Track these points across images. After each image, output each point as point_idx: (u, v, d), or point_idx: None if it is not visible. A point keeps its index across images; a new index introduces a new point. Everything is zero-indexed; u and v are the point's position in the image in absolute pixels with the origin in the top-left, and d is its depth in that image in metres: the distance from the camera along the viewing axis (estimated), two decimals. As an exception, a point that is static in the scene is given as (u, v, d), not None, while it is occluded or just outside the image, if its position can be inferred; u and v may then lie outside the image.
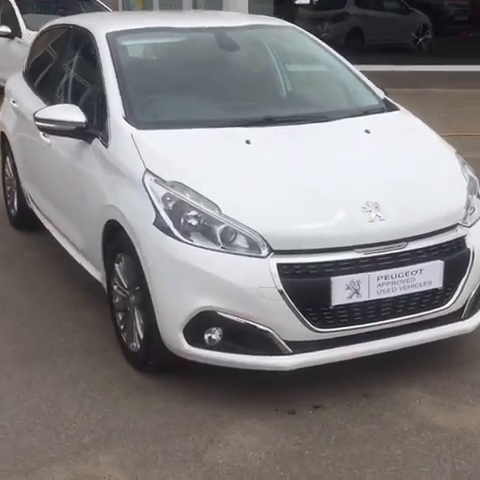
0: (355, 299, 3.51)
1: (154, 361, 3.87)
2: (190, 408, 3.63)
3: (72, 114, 4.34)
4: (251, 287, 3.43)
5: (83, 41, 4.92)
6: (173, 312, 3.59)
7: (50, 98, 5.09)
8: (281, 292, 3.42)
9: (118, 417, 3.57)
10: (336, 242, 3.51)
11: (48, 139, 4.89)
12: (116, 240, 4.02)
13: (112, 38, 4.63)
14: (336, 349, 3.56)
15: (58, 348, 4.24)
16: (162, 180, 3.69)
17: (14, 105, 5.75)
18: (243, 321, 3.48)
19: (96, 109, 4.38)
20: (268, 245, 3.46)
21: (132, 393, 3.77)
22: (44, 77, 5.44)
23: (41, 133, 4.90)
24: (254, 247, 3.48)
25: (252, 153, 3.91)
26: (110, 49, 4.53)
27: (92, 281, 4.54)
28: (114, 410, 3.63)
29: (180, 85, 4.53)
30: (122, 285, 4.06)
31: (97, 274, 4.48)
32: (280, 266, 3.44)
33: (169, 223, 3.58)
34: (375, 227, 3.58)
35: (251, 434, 3.43)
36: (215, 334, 3.55)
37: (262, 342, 3.51)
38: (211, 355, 3.58)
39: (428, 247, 3.67)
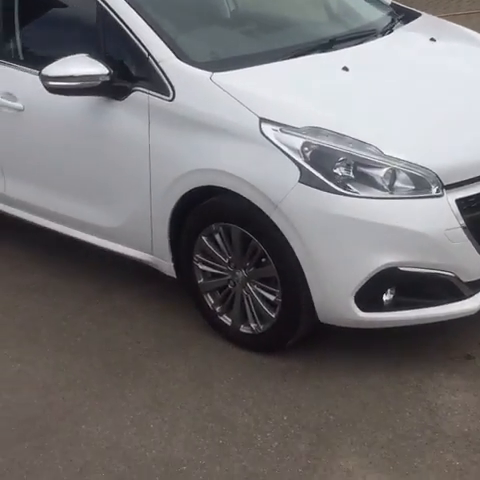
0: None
1: (296, 338, 3.32)
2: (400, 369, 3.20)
3: (92, 66, 3.45)
4: (437, 231, 2.98)
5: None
6: (340, 278, 3.04)
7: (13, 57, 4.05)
8: (465, 229, 3.03)
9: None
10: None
11: (18, 104, 3.90)
12: (207, 210, 3.33)
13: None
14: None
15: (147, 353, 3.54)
16: (293, 128, 3.07)
17: None
18: (428, 271, 3.05)
19: (117, 56, 3.53)
20: (440, 182, 3.03)
21: (287, 378, 3.24)
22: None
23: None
24: (422, 186, 3.02)
25: (362, 79, 3.37)
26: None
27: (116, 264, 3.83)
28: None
29: (213, 15, 3.79)
30: (217, 261, 3.41)
31: (141, 255, 3.73)
32: (458, 202, 3.04)
33: (321, 177, 2.99)
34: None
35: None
36: (389, 293, 3.10)
37: (443, 289, 3.10)
38: (388, 317, 3.11)
39: None
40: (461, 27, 4.25)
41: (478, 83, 3.56)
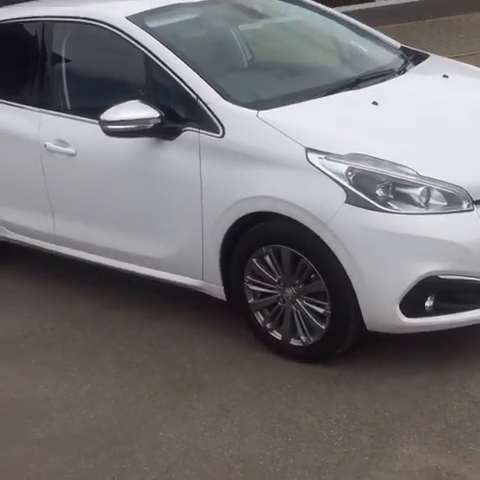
0: None
1: (345, 347, 3.65)
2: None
3: (144, 110, 3.83)
4: (471, 242, 3.34)
5: (87, 31, 4.31)
6: (386, 288, 3.38)
7: (47, 104, 4.42)
8: (496, 239, 3.41)
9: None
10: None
11: (70, 149, 4.26)
12: (258, 234, 3.68)
13: (139, 21, 4.12)
14: None
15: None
16: (336, 156, 3.44)
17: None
18: (465, 278, 3.41)
19: (166, 100, 3.91)
20: (470, 198, 3.41)
21: (339, 383, 3.55)
22: (21, 82, 4.64)
23: (52, 144, 4.30)
24: (454, 202, 3.40)
25: (391, 111, 3.78)
26: (150, 33, 4.04)
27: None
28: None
29: (244, 59, 4.18)
30: (267, 280, 3.74)
31: (192, 281, 4.05)
32: (489, 215, 3.42)
33: (365, 197, 3.36)
34: None
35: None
36: (430, 300, 3.45)
37: (478, 294, 3.47)
38: (430, 322, 3.45)
39: None
40: (467, 64, 4.70)
41: None
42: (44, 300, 4.73)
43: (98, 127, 4.04)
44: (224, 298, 3.97)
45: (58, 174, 4.40)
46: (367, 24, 4.92)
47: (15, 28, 4.72)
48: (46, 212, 4.57)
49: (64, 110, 4.39)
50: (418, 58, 4.56)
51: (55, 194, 4.47)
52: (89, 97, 4.43)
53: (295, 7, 4.91)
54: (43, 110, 4.44)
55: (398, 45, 4.78)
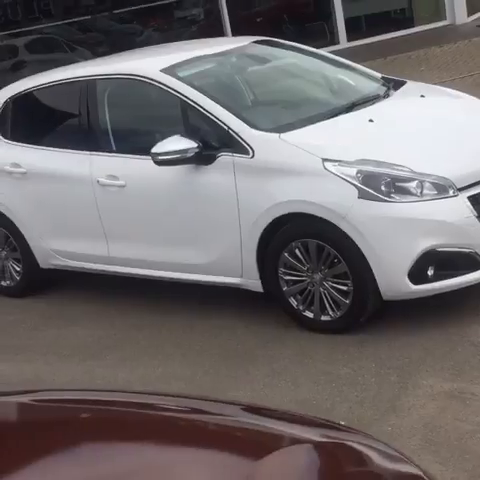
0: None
1: (366, 316, 4.52)
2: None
3: (185, 142, 4.73)
4: (460, 220, 4.28)
5: (126, 85, 5.25)
6: (396, 262, 4.30)
7: (96, 147, 5.31)
8: (478, 217, 4.32)
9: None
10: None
11: (121, 182, 5.13)
12: (288, 232, 4.57)
13: (171, 72, 5.06)
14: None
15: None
16: (347, 162, 4.37)
17: (18, 170, 5.72)
18: (455, 249, 4.33)
19: (202, 132, 4.81)
20: (454, 186, 4.34)
21: (364, 344, 4.41)
22: (71, 132, 5.56)
23: (104, 179, 5.17)
24: (442, 190, 4.33)
25: (385, 125, 4.74)
26: (181, 81, 4.97)
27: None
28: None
29: (258, 95, 5.12)
30: (297, 269, 4.62)
31: (232, 280, 4.92)
32: (470, 198, 4.34)
33: (373, 192, 4.28)
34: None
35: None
36: (431, 269, 4.35)
37: (468, 262, 4.36)
38: (432, 287, 4.36)
39: None
40: (438, 86, 5.69)
41: (460, 119, 5.02)
42: (99, 313, 5.57)
43: (143, 161, 4.97)
44: (261, 290, 4.84)
45: (111, 204, 5.28)
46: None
47: (61, 88, 5.63)
48: (100, 238, 5.43)
49: (112, 150, 5.28)
50: (398, 84, 5.54)
51: (108, 221, 5.34)
52: (132, 138, 5.35)
53: (289, 52, 5.93)
54: (93, 153, 5.33)
55: (379, 75, 5.76)
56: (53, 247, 5.74)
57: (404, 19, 15.15)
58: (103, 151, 5.32)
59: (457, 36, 14.03)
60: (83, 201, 5.39)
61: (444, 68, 11.93)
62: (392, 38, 14.41)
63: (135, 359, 4.82)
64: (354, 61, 11.08)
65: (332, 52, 13.29)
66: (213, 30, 14.30)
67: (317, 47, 13.58)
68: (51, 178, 5.55)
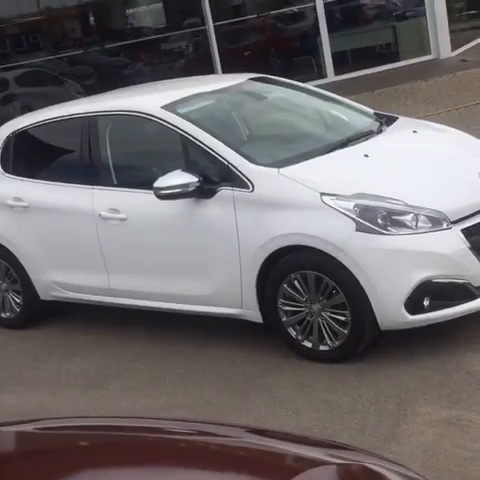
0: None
1: (363, 345, 4.64)
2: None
3: (187, 177, 4.87)
4: (454, 252, 4.44)
5: (127, 121, 5.40)
6: (393, 293, 4.44)
7: (98, 181, 5.44)
8: (471, 249, 4.48)
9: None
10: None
11: (122, 215, 5.26)
12: (288, 264, 4.69)
13: (171, 109, 5.21)
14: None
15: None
16: (344, 196, 4.52)
17: (20, 204, 5.84)
18: (449, 280, 4.47)
19: (203, 167, 4.96)
20: (448, 219, 4.49)
21: (363, 373, 4.53)
22: (74, 166, 5.69)
23: (106, 212, 5.29)
24: (436, 223, 4.49)
25: (380, 160, 4.90)
26: (182, 117, 5.12)
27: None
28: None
29: (256, 131, 5.28)
30: (296, 300, 4.74)
31: (232, 310, 5.03)
32: (462, 231, 4.50)
33: (370, 225, 4.43)
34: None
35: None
36: (427, 299, 4.49)
37: (461, 293, 4.51)
38: (428, 317, 4.50)
39: None
40: (428, 122, 5.88)
41: (452, 154, 5.21)
42: (100, 343, 5.66)
43: (144, 195, 5.11)
44: (261, 321, 4.96)
45: (112, 236, 5.40)
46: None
47: (63, 124, 5.77)
48: (101, 269, 5.54)
49: (113, 185, 5.41)
50: (390, 120, 5.71)
51: (109, 253, 5.45)
52: (134, 172, 5.50)
53: (284, 89, 6.11)
54: (95, 187, 5.46)
55: (372, 111, 5.94)
56: (54, 279, 5.84)
57: (390, 53, 15.47)
58: (105, 185, 5.44)
59: (442, 70, 14.35)
60: (84, 234, 5.51)
61: (430, 102, 12.19)
62: (378, 72, 14.72)
63: (138, 389, 4.91)
64: (341, 94, 11.32)
65: (320, 85, 13.58)
66: (202, 63, 14.57)
67: (305, 80, 13.92)
68: (52, 211, 5.67)
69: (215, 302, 5.11)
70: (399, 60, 15.08)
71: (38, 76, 18.22)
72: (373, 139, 5.25)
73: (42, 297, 6.01)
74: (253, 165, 4.82)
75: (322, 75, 14.63)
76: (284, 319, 4.85)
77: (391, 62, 14.98)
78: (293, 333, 4.85)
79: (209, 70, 14.06)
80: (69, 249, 5.70)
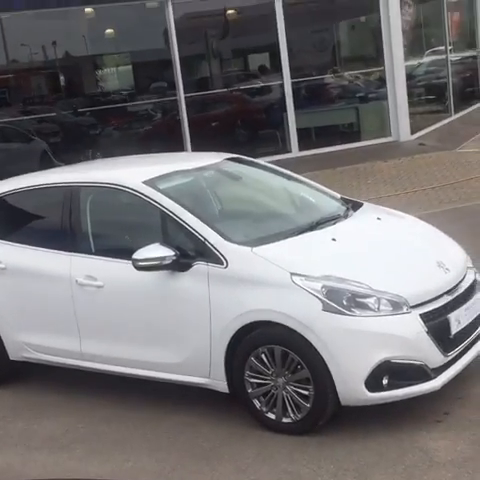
0: (459, 327, 5.02)
1: (324, 419, 4.89)
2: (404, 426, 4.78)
3: (164, 251, 5.13)
4: (412, 335, 4.75)
5: (109, 193, 5.66)
6: (354, 371, 4.71)
7: (77, 249, 5.67)
8: (428, 333, 4.80)
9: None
10: (440, 290, 5.01)
11: (99, 282, 5.48)
12: (256, 338, 4.95)
13: (152, 184, 5.49)
14: (456, 363, 4.99)
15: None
16: (313, 277, 4.82)
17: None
18: (407, 361, 4.77)
19: (180, 242, 5.22)
20: (408, 303, 4.81)
21: (323, 445, 4.76)
22: (53, 232, 5.90)
23: (83, 279, 5.52)
24: (397, 307, 4.80)
25: (346, 245, 5.23)
26: (162, 193, 5.40)
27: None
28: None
29: (232, 210, 5.60)
30: (262, 373, 4.99)
31: (200, 380, 5.25)
32: (421, 315, 4.82)
33: (336, 306, 4.72)
34: (449, 276, 5.15)
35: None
36: (386, 378, 4.76)
37: (418, 374, 4.80)
38: (386, 395, 4.77)
39: (472, 283, 5.33)
40: (391, 209, 6.27)
41: (412, 241, 5.58)
42: (68, 406, 5.79)
43: (122, 264, 5.36)
44: (227, 391, 5.18)
45: (87, 302, 5.60)
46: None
47: (45, 191, 6.02)
48: (73, 333, 5.72)
49: (91, 253, 5.64)
50: (356, 206, 6.08)
51: (83, 318, 5.65)
52: (112, 242, 5.75)
53: (258, 170, 6.46)
54: (73, 254, 5.68)
55: (339, 196, 6.30)
56: (25, 340, 6.00)
57: (352, 133, 16.11)
58: (83, 252, 5.67)
59: (401, 152, 14.99)
60: (60, 298, 5.70)
61: (389, 182, 12.72)
62: (341, 150, 15.29)
63: (104, 452, 5.07)
64: (305, 169, 11.78)
65: (284, 160, 14.20)
66: (171, 131, 14.97)
67: (269, 154, 14.54)
68: (29, 274, 5.86)
69: (184, 371, 5.32)
70: (360, 140, 15.71)
71: (5, 132, 18.44)
72: (340, 223, 5.59)
73: (12, 357, 6.15)
74: (228, 243, 5.10)
75: (287, 150, 15.14)
76: (250, 391, 5.07)
77: (353, 141, 15.60)
78: (258, 404, 5.07)
79: (178, 138, 14.48)
80: (43, 312, 5.88)
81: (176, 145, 14.30)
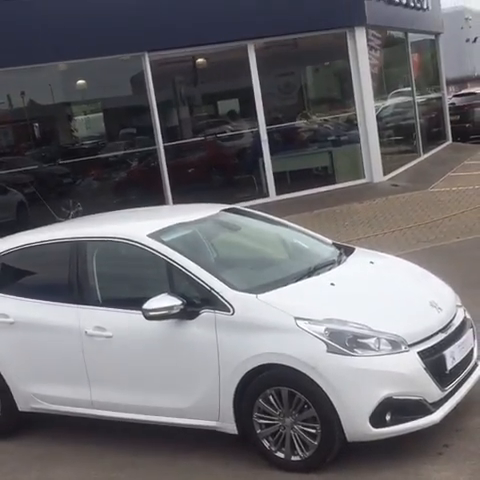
0: (454, 363, 5.33)
1: (332, 456, 5.14)
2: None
3: (172, 300, 5.40)
4: (412, 372, 5.05)
5: (115, 247, 5.94)
6: (359, 408, 4.99)
7: (84, 301, 5.92)
8: (426, 369, 5.10)
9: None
10: (434, 329, 5.33)
11: (108, 332, 5.72)
12: (264, 380, 5.21)
13: (157, 237, 5.77)
14: (453, 397, 5.29)
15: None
16: (316, 321, 5.11)
17: (6, 320, 6.23)
18: (408, 397, 5.06)
19: (187, 291, 5.49)
20: (406, 342, 5.12)
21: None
22: (61, 286, 6.14)
23: (92, 330, 5.76)
24: (396, 346, 5.11)
25: (345, 289, 5.55)
26: (166, 245, 5.68)
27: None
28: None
29: (233, 258, 5.90)
30: (270, 414, 5.24)
31: (209, 423, 5.49)
32: (419, 353, 5.13)
33: (339, 347, 5.02)
34: (442, 315, 5.48)
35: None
36: (389, 414, 5.05)
37: (419, 409, 5.09)
38: (390, 430, 5.05)
39: (463, 320, 5.67)
40: (382, 253, 6.61)
41: (405, 282, 5.93)
42: (79, 453, 5.99)
43: (130, 314, 5.62)
44: (236, 432, 5.43)
45: (97, 352, 5.83)
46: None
47: (52, 246, 6.28)
48: (83, 383, 5.94)
49: (100, 304, 5.90)
50: (348, 251, 6.42)
51: (93, 367, 5.87)
52: (119, 293, 6.00)
53: (253, 220, 6.79)
54: (81, 306, 5.93)
55: (330, 241, 6.63)
56: (34, 391, 6.20)
57: (326, 176, 16.56)
58: (91, 304, 5.92)
59: (375, 194, 15.44)
60: (69, 349, 5.92)
61: (367, 223, 13.12)
62: (316, 193, 15.69)
63: (120, 498, 5.28)
64: (284, 214, 12.11)
65: (263, 204, 14.57)
66: (149, 178, 15.28)
67: (248, 199, 14.88)
68: (38, 327, 6.08)
69: (194, 415, 5.56)
70: (335, 182, 16.15)
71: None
72: (336, 268, 5.92)
73: (21, 408, 6.33)
74: (233, 291, 5.39)
75: (264, 194, 15.51)
76: (259, 431, 5.33)
77: (328, 184, 16.05)
78: (267, 444, 5.32)
79: (158, 186, 14.77)
80: (52, 363, 6.09)
81: (156, 194, 14.62)
